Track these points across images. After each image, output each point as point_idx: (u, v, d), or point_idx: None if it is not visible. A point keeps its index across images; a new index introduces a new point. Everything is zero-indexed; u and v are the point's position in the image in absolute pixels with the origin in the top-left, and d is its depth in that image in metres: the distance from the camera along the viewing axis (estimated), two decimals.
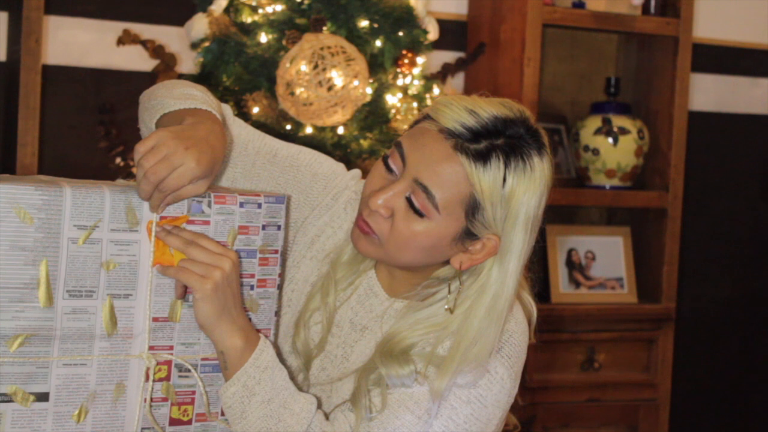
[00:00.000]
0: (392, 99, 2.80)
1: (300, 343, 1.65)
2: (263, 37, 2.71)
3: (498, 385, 1.55)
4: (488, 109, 1.52)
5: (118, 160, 2.83)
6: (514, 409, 1.70)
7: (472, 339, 1.54)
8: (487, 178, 1.49)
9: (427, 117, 1.56)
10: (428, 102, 2.83)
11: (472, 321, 1.54)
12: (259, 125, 2.66)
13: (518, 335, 1.59)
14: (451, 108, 1.52)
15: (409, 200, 1.52)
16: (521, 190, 1.50)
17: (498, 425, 1.61)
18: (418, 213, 1.51)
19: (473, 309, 1.55)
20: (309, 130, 2.69)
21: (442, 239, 1.53)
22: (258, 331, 1.53)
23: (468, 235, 1.53)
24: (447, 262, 1.60)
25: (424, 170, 1.51)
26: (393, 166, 1.55)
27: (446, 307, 1.57)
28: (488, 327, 1.54)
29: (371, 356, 1.58)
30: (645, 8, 3.42)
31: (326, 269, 1.68)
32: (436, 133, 1.52)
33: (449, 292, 1.58)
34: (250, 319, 1.53)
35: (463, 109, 1.51)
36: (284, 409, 1.50)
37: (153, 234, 1.44)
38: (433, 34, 2.89)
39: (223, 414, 1.52)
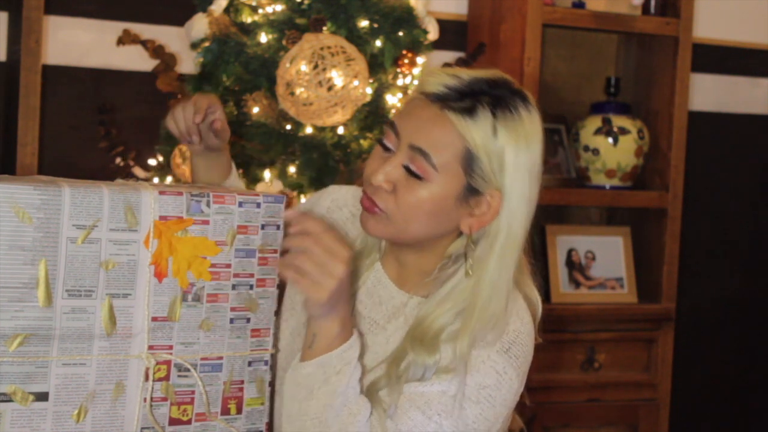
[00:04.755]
0: (392, 99, 2.80)
1: None
2: (263, 37, 2.71)
3: (507, 385, 1.57)
4: (471, 73, 1.58)
5: (118, 160, 2.84)
6: (517, 409, 1.71)
7: (487, 294, 1.56)
8: (478, 129, 1.53)
9: (415, 94, 1.61)
10: None
11: (485, 274, 1.56)
12: (259, 125, 2.66)
13: (525, 336, 1.61)
14: (434, 75, 1.58)
15: (407, 168, 1.55)
16: (513, 138, 1.53)
17: (504, 424, 1.62)
18: (419, 177, 1.54)
19: (485, 262, 1.57)
20: (309, 130, 2.69)
21: (447, 200, 1.55)
22: (348, 328, 1.55)
23: (471, 192, 1.55)
24: (455, 238, 1.62)
25: (417, 134, 1.55)
26: (388, 144, 1.59)
27: (467, 272, 1.59)
28: (500, 277, 1.56)
29: (401, 343, 1.59)
30: (645, 8, 3.43)
31: None
32: (423, 99, 1.57)
33: (465, 259, 1.59)
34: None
35: (445, 74, 1.57)
36: (344, 407, 1.52)
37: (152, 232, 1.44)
38: (433, 34, 2.89)
39: (222, 413, 1.53)
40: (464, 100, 1.54)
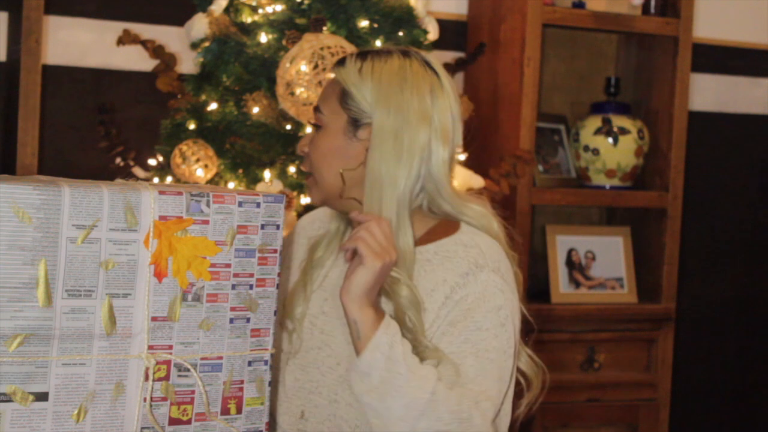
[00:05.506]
0: None
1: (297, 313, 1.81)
2: (263, 37, 2.71)
3: (510, 303, 1.72)
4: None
5: (118, 160, 2.84)
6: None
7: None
8: (347, 70, 1.75)
9: None
10: None
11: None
12: (259, 125, 2.66)
13: (505, 259, 1.76)
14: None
15: (313, 125, 1.79)
16: (377, 74, 1.73)
17: (515, 357, 1.74)
18: (318, 127, 1.78)
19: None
20: (309, 130, 2.69)
21: (337, 136, 1.75)
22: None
23: (355, 126, 1.74)
24: None
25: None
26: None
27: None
28: (373, 186, 1.71)
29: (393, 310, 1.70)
30: (645, 8, 3.42)
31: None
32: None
33: None
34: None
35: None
36: (411, 372, 1.61)
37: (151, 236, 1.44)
38: (433, 34, 2.89)
39: (222, 413, 1.53)
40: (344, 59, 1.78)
